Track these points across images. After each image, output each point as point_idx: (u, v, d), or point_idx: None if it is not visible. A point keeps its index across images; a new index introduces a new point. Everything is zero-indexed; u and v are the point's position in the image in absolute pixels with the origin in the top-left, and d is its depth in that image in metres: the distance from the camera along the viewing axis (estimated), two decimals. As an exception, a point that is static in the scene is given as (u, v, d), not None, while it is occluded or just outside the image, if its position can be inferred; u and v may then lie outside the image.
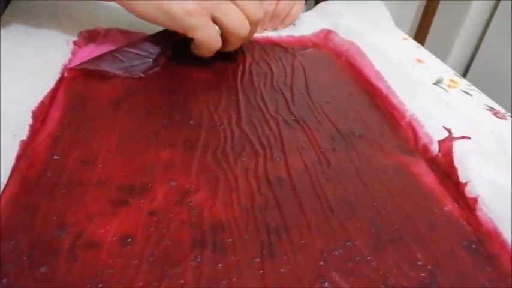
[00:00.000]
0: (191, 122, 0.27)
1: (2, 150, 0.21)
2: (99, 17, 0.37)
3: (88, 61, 0.31)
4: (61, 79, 0.30)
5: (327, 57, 0.38)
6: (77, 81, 0.30)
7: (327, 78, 0.35)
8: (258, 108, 0.30)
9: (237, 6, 0.31)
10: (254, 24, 0.32)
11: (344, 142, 0.27)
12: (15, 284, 0.17)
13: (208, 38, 0.31)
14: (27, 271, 0.17)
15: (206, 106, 0.29)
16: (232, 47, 0.33)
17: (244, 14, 0.31)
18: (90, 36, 0.35)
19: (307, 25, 0.42)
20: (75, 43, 0.34)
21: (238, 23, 0.31)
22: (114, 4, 0.31)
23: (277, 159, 0.25)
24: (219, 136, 0.26)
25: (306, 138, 0.27)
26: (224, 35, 0.32)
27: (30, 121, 0.24)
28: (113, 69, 0.31)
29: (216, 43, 0.31)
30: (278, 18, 0.41)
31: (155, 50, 0.33)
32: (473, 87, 0.35)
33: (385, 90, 0.32)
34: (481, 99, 0.33)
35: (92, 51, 0.33)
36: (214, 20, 0.31)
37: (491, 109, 0.31)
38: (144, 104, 0.29)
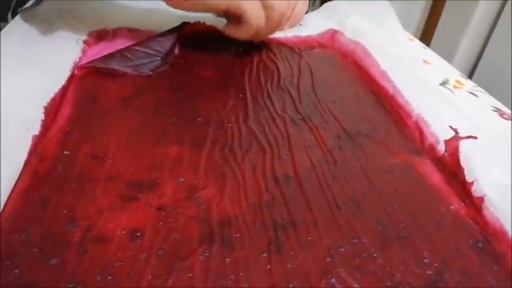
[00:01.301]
0: (199, 119, 0.28)
1: (15, 143, 0.22)
2: (108, 16, 0.37)
3: (98, 59, 0.32)
4: (71, 77, 0.30)
5: (333, 57, 0.38)
6: (87, 79, 0.31)
7: (333, 78, 0.35)
8: (265, 106, 0.30)
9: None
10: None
11: (350, 141, 0.27)
12: (26, 275, 0.17)
13: (257, 14, 0.32)
14: (38, 263, 0.17)
15: (214, 104, 0.29)
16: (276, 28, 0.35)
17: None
18: (99, 36, 0.36)
19: (313, 25, 0.43)
20: (85, 42, 0.34)
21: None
22: (123, 3, 0.31)
23: (284, 157, 0.25)
24: (226, 134, 0.27)
25: (312, 137, 0.27)
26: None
27: (42, 116, 0.25)
28: (122, 67, 0.32)
29: (262, 20, 0.33)
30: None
31: (163, 48, 0.33)
32: (479, 88, 0.35)
33: (391, 90, 0.32)
34: (487, 100, 0.33)
35: (101, 49, 0.34)
36: None
37: (498, 110, 0.31)
38: (153, 102, 0.29)
